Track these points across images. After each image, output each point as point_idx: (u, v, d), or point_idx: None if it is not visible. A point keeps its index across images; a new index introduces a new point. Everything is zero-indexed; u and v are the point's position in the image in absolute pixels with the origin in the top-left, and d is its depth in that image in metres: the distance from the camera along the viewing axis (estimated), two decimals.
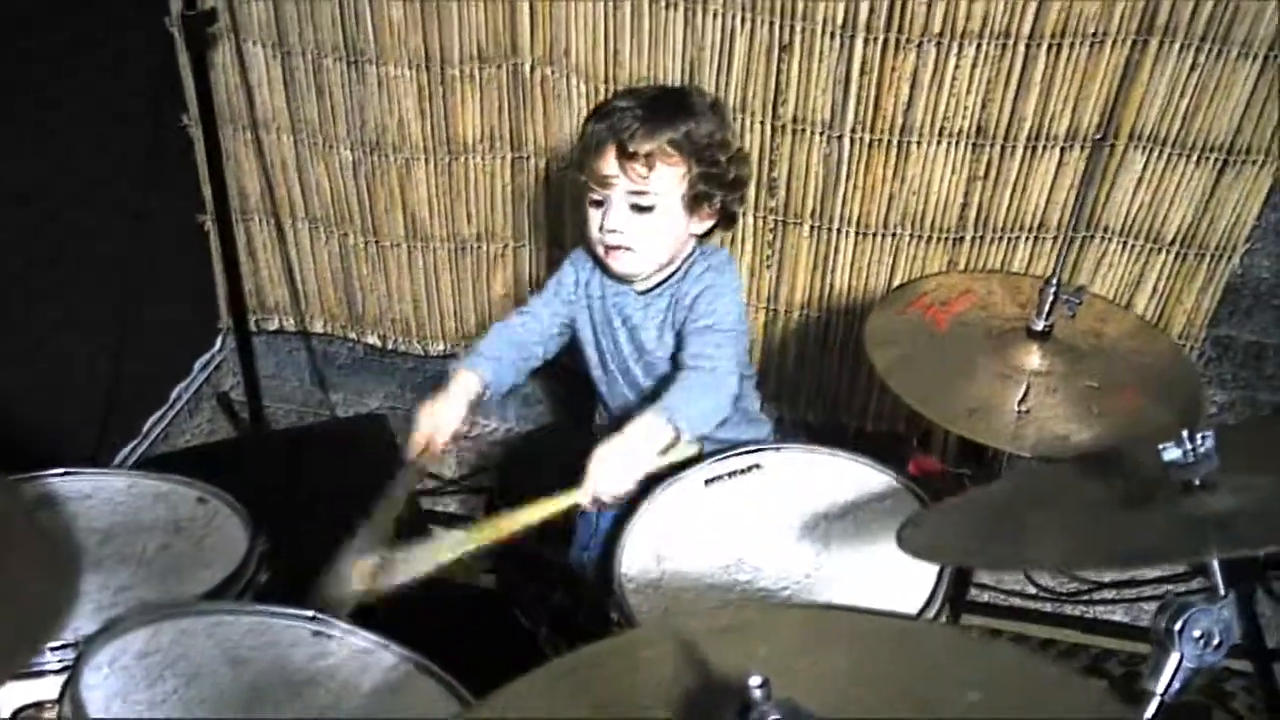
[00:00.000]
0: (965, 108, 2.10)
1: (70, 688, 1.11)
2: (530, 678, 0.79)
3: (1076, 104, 2.07)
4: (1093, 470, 1.26)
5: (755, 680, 0.69)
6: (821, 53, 2.08)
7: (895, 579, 1.39)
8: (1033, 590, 2.39)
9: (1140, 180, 2.14)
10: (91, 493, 1.54)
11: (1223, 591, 1.05)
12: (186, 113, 2.32)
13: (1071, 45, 2.01)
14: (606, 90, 2.19)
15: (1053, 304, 1.51)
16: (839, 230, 2.26)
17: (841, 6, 2.02)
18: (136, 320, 2.28)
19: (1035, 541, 1.12)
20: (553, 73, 2.21)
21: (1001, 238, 2.23)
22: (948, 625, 1.09)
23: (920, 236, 2.24)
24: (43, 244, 2.04)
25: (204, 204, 2.39)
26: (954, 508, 1.26)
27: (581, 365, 1.93)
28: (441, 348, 2.58)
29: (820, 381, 2.46)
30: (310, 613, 1.29)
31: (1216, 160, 2.09)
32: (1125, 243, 2.21)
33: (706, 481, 1.61)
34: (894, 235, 2.25)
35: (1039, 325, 1.52)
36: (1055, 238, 2.21)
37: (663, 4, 2.10)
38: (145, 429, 2.43)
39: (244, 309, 2.42)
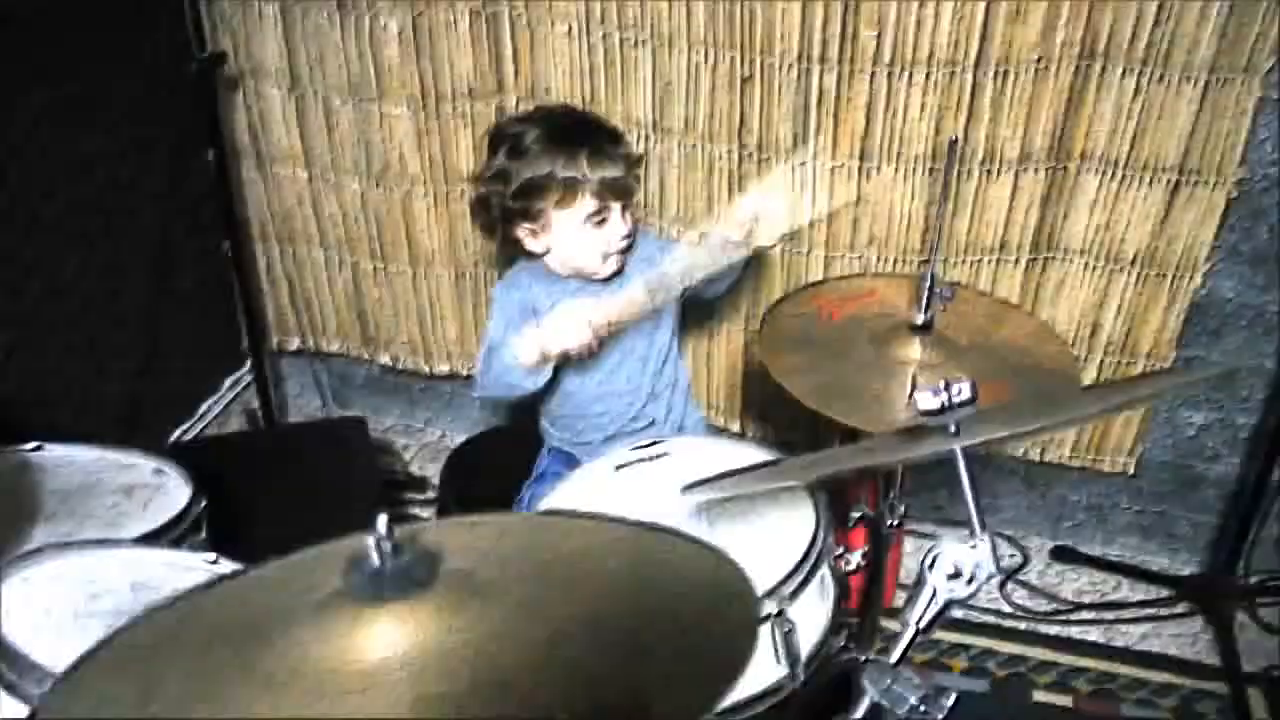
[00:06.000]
0: (919, 134, 2.18)
1: None
2: None
3: (1026, 128, 2.14)
4: None
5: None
6: (781, 84, 2.19)
7: (769, 548, 1.50)
8: (1008, 609, 2.41)
9: (1095, 202, 2.19)
10: (62, 463, 1.73)
11: (978, 530, 1.13)
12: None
13: (1016, 72, 2.09)
14: None
15: (929, 298, 1.59)
16: (809, 253, 2.35)
17: (797, 40, 2.13)
18: (166, 339, 2.52)
19: None
20: None
21: (964, 260, 2.29)
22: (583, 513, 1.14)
23: (886, 259, 2.32)
24: (77, 265, 2.26)
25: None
26: None
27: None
28: (445, 368, 2.73)
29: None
30: (211, 556, 1.45)
31: (1169, 181, 2.13)
32: (1086, 264, 2.25)
33: (617, 467, 1.72)
34: (861, 258, 2.33)
35: (919, 319, 1.60)
36: (1016, 259, 2.27)
37: (632, 42, 2.24)
38: (171, 440, 2.64)
39: (263, 331, 2.62)
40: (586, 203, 1.84)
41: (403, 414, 2.93)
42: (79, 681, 0.87)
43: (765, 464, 1.49)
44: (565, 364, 1.92)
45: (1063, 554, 2.54)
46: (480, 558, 0.90)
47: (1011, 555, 2.54)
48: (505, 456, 2.12)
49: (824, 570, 1.58)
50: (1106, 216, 2.19)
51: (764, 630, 1.47)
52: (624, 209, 1.89)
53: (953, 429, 1.17)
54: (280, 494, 2.08)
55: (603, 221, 1.86)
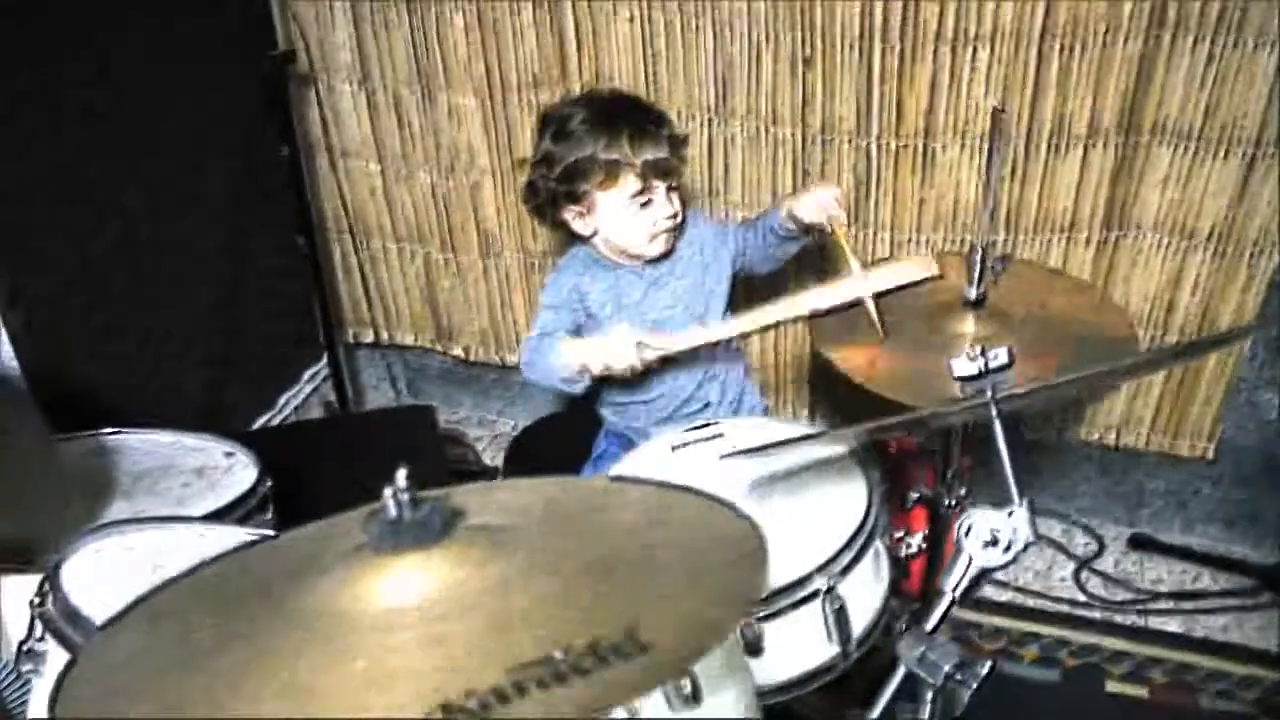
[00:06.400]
0: (984, 110, 2.14)
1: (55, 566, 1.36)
2: None
3: (1094, 101, 2.09)
4: None
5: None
6: (842, 63, 2.17)
7: (820, 525, 1.49)
8: (1083, 598, 2.35)
9: (1168, 176, 2.13)
10: (138, 446, 1.81)
11: (1015, 498, 1.10)
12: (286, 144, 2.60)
13: (1083, 43, 2.04)
14: None
15: (980, 273, 1.56)
16: (874, 235, 2.33)
17: (857, 18, 2.11)
18: (244, 333, 2.59)
19: None
20: None
21: (1034, 239, 2.24)
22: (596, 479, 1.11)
23: (954, 239, 2.29)
24: (155, 261, 2.32)
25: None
26: None
27: None
28: (516, 359, 2.75)
29: None
30: (272, 533, 1.48)
31: (1245, 153, 2.06)
32: (1160, 240, 2.19)
33: (673, 448, 1.72)
34: (927, 240, 2.30)
35: (971, 294, 1.57)
36: (1088, 238, 2.22)
37: (693, 26, 2.25)
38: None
39: (334, 323, 2.69)
40: (629, 184, 1.85)
41: (476, 405, 2.97)
42: (122, 627, 0.91)
43: (807, 436, 1.48)
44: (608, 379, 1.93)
45: (1140, 542, 2.47)
46: (503, 514, 0.92)
47: (1087, 543, 2.48)
48: (566, 441, 2.15)
49: (877, 549, 1.56)
50: (1180, 191, 2.14)
51: (814, 607, 1.46)
52: (669, 189, 1.89)
53: (989, 393, 1.15)
54: (348, 480, 2.11)
55: (647, 203, 1.86)
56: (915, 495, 1.79)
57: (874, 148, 2.24)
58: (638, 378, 1.88)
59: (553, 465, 2.09)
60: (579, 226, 1.92)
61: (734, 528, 0.86)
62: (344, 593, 0.82)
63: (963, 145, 2.19)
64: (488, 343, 2.78)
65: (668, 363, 1.88)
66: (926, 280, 1.76)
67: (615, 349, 1.78)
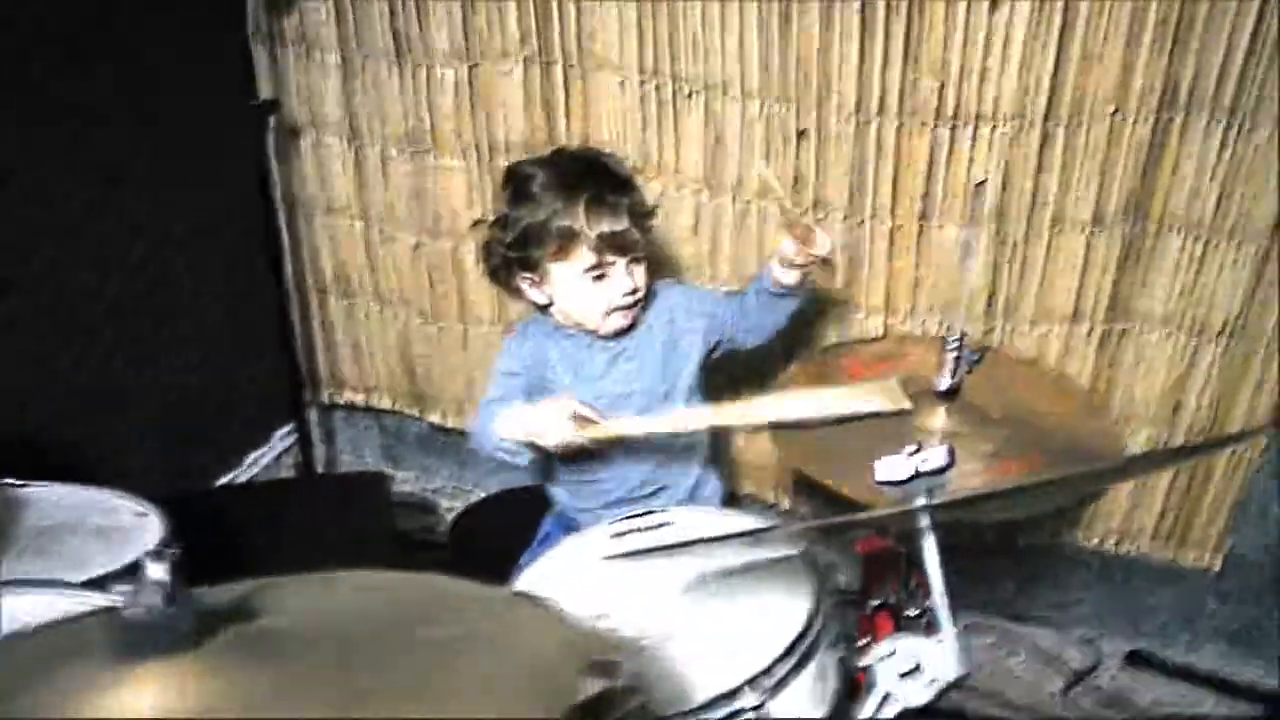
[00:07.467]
0: (984, 191, 2.03)
1: None
2: None
3: (1100, 185, 1.98)
4: None
5: None
6: (837, 138, 2.07)
7: (757, 634, 1.33)
8: (1072, 717, 2.18)
9: (1178, 266, 2.01)
10: (47, 501, 1.70)
11: (945, 623, 0.97)
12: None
13: (1089, 124, 1.93)
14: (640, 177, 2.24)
15: (956, 364, 1.43)
16: (866, 317, 2.21)
17: (854, 92, 2.02)
18: (216, 389, 2.52)
19: None
20: None
21: (1033, 329, 2.12)
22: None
23: (949, 324, 2.16)
24: (130, 313, 2.27)
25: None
26: None
27: None
28: None
29: None
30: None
31: (1260, 246, 1.94)
32: (1168, 334, 2.06)
33: (614, 535, 1.59)
34: (922, 322, 2.18)
35: (943, 385, 1.44)
36: (1090, 329, 2.09)
37: (686, 93, 2.16)
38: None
39: (307, 383, 2.61)
40: (583, 256, 1.73)
41: (452, 474, 2.84)
42: None
43: (724, 537, 1.33)
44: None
45: (1138, 660, 2.29)
46: (300, 616, 0.80)
47: (1081, 657, 2.30)
48: (511, 521, 2.00)
49: (823, 663, 1.42)
50: (1190, 283, 2.02)
51: None
52: (631, 262, 1.77)
53: (921, 501, 1.02)
54: (284, 547, 2.00)
55: (602, 277, 1.75)
56: (876, 602, 1.64)
57: (868, 225, 2.13)
58: (580, 456, 1.74)
59: (495, 546, 1.96)
60: (533, 295, 1.81)
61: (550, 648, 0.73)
62: (65, 707, 0.69)
63: (961, 226, 2.07)
64: (463, 411, 2.66)
65: (616, 445, 1.74)
66: (895, 413, 1.62)
67: (546, 420, 1.64)
